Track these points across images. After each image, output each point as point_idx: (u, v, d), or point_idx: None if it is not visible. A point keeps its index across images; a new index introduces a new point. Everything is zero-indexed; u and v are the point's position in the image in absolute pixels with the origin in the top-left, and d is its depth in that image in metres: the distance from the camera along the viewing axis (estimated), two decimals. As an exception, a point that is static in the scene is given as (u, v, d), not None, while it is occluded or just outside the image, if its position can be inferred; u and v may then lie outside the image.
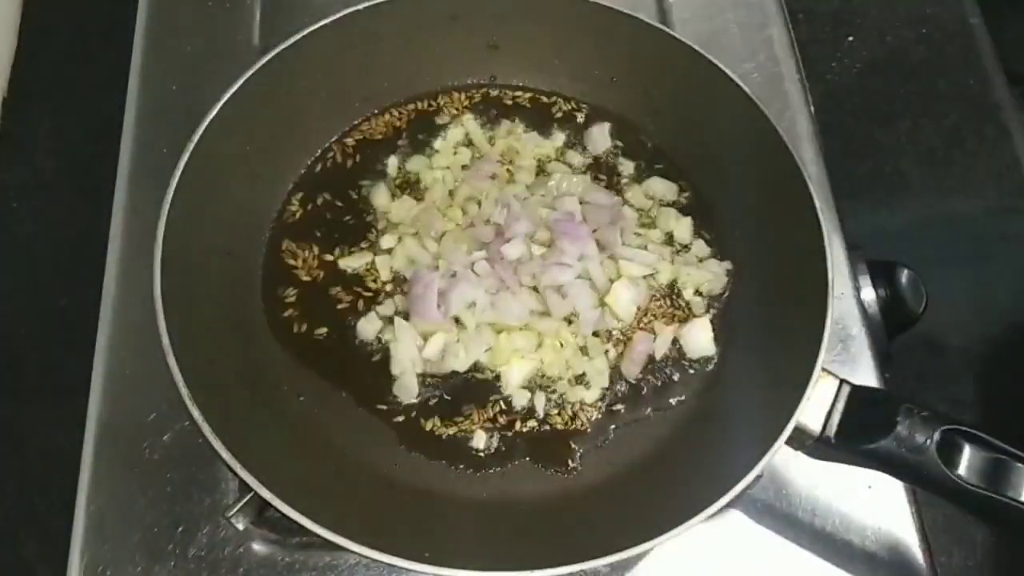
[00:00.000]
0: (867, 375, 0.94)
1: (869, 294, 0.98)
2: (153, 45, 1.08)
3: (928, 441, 0.69)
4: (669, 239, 0.96)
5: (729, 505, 0.86)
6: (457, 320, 0.87)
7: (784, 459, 0.89)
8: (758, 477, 0.82)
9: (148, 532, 0.82)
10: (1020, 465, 0.68)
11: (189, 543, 0.82)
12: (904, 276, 0.98)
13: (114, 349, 0.90)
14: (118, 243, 0.96)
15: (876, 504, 0.88)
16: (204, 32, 1.10)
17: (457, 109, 1.02)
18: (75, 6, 1.16)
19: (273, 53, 0.89)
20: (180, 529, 0.83)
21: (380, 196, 0.96)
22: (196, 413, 0.70)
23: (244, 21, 1.12)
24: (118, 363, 0.90)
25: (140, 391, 0.88)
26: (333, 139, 0.99)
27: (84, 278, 0.94)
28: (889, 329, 0.97)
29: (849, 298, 0.98)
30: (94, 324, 0.91)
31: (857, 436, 0.73)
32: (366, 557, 0.67)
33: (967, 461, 0.69)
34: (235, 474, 0.69)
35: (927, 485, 0.72)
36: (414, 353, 0.86)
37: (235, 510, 0.78)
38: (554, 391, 0.88)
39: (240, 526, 0.81)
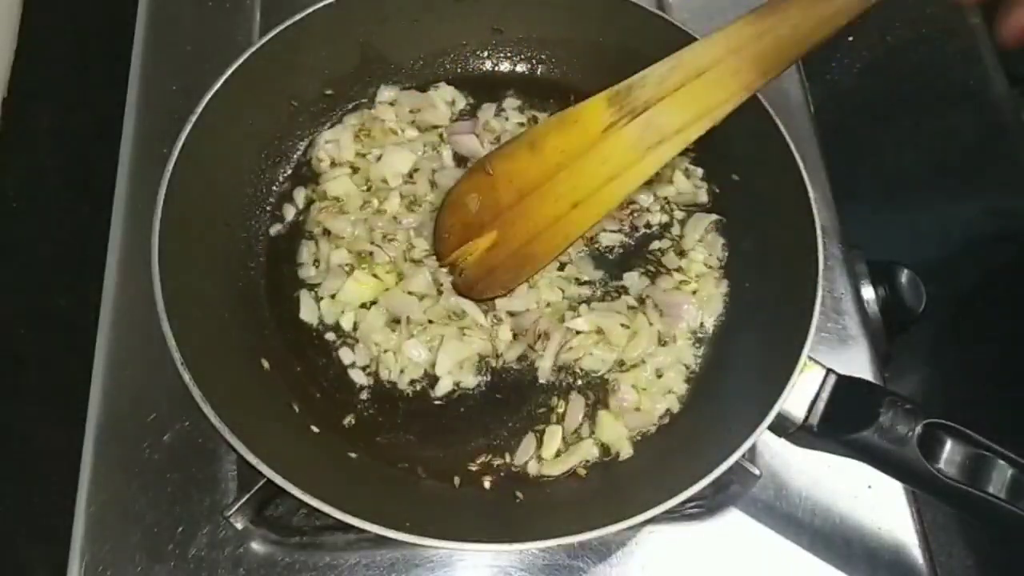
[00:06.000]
0: (866, 375, 0.94)
1: (869, 294, 0.98)
2: (153, 45, 1.09)
3: (910, 433, 0.70)
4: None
5: (729, 504, 0.87)
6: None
7: (784, 459, 0.89)
8: (756, 476, 0.82)
9: (148, 532, 0.83)
10: (1000, 461, 0.68)
11: (189, 543, 0.82)
12: (904, 276, 0.98)
13: (114, 349, 0.90)
14: (118, 243, 0.96)
15: (876, 504, 0.88)
16: (204, 32, 1.10)
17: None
18: (75, 6, 1.16)
19: (278, 29, 0.90)
20: (180, 529, 0.83)
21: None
22: (186, 376, 0.71)
23: (244, 21, 1.12)
24: (118, 363, 0.90)
25: (140, 391, 0.88)
26: (334, 117, 1.00)
27: (84, 278, 0.94)
28: (889, 329, 0.97)
29: (849, 298, 0.98)
30: (94, 324, 0.91)
31: (840, 425, 0.74)
32: (352, 526, 0.68)
33: (948, 455, 0.70)
34: (221, 437, 0.69)
35: (907, 477, 0.73)
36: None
37: (234, 509, 0.78)
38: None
39: (239, 525, 0.81)
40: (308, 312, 0.90)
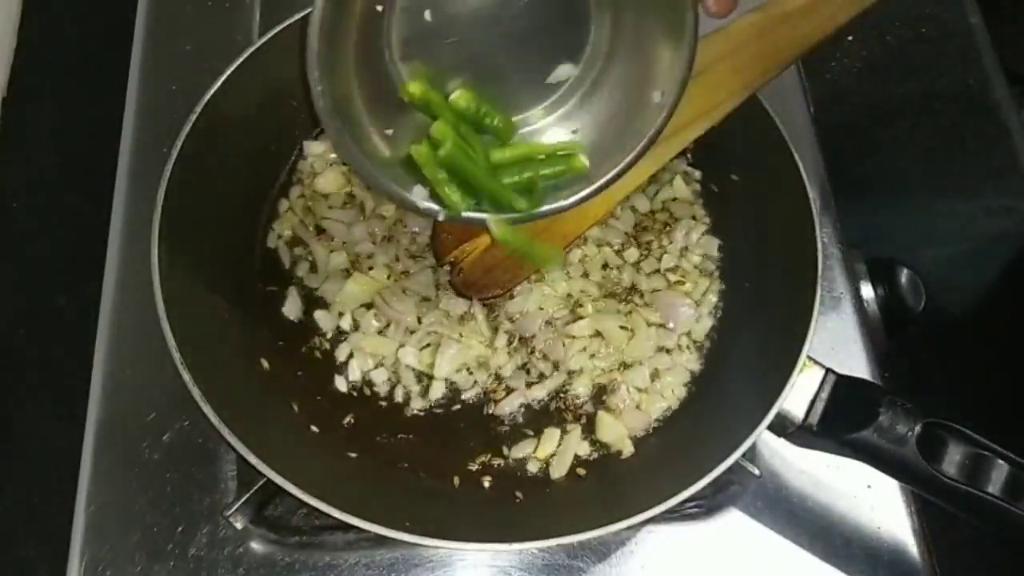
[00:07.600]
0: (865, 374, 0.94)
1: (868, 293, 0.98)
2: (153, 45, 1.09)
3: (909, 433, 0.70)
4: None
5: (729, 504, 0.87)
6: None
7: (784, 459, 0.89)
8: (756, 476, 0.82)
9: (148, 532, 0.83)
10: (1000, 461, 0.68)
11: (189, 543, 0.82)
12: (904, 276, 0.98)
13: (114, 349, 0.90)
14: (118, 243, 0.96)
15: (876, 504, 0.88)
16: (204, 32, 1.10)
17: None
18: (75, 6, 1.16)
19: (278, 29, 0.89)
20: (180, 529, 0.83)
21: None
22: (187, 376, 0.71)
23: (244, 21, 1.12)
24: (118, 363, 0.90)
25: (140, 391, 0.88)
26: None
27: (84, 278, 0.94)
28: (888, 329, 0.97)
29: (848, 297, 0.98)
30: (94, 324, 0.91)
31: (839, 425, 0.74)
32: (352, 526, 0.68)
33: (947, 455, 0.70)
34: (221, 437, 0.69)
35: (906, 477, 0.73)
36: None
37: (234, 509, 0.78)
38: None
39: (239, 525, 0.81)
40: (292, 309, 0.90)
